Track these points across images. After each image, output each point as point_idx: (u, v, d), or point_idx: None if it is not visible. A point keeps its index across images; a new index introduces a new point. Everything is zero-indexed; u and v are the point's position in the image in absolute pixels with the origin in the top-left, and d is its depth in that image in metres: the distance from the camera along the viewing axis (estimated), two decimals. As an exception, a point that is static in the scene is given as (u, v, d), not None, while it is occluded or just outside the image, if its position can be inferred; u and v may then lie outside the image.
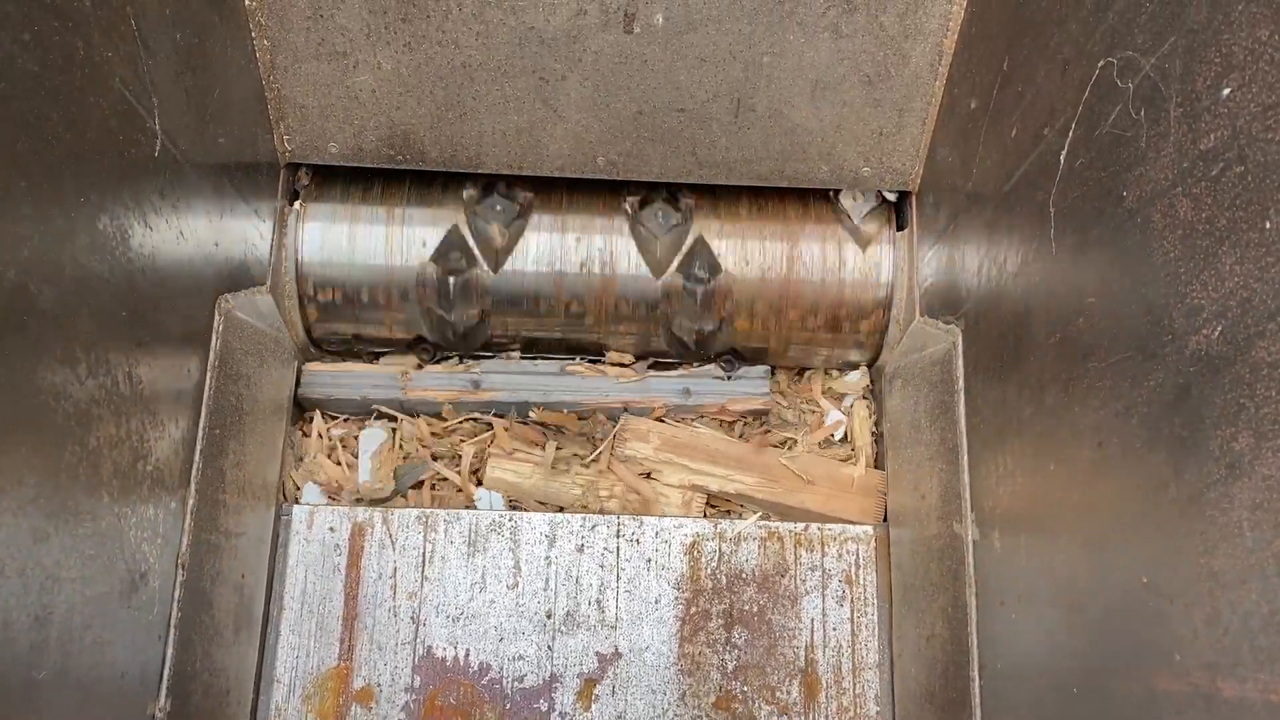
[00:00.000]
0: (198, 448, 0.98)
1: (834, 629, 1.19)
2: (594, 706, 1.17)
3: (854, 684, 1.18)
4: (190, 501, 0.96)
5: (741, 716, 1.17)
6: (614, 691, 1.18)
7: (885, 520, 1.25)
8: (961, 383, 1.01)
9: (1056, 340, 0.80)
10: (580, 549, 1.23)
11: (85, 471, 0.77)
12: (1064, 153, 0.80)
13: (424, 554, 1.21)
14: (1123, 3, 0.71)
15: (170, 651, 0.93)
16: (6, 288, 0.67)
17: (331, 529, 1.21)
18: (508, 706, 1.17)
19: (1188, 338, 0.61)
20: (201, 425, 0.98)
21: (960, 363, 1.02)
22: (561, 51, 1.10)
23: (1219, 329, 0.58)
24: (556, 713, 1.17)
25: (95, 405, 0.78)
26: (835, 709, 1.17)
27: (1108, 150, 0.72)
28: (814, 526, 1.23)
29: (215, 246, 1.02)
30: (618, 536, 1.22)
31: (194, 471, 0.97)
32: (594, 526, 1.23)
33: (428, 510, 1.23)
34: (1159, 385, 0.64)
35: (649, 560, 1.22)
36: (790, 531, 1.23)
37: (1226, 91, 0.58)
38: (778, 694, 1.18)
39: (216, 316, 1.02)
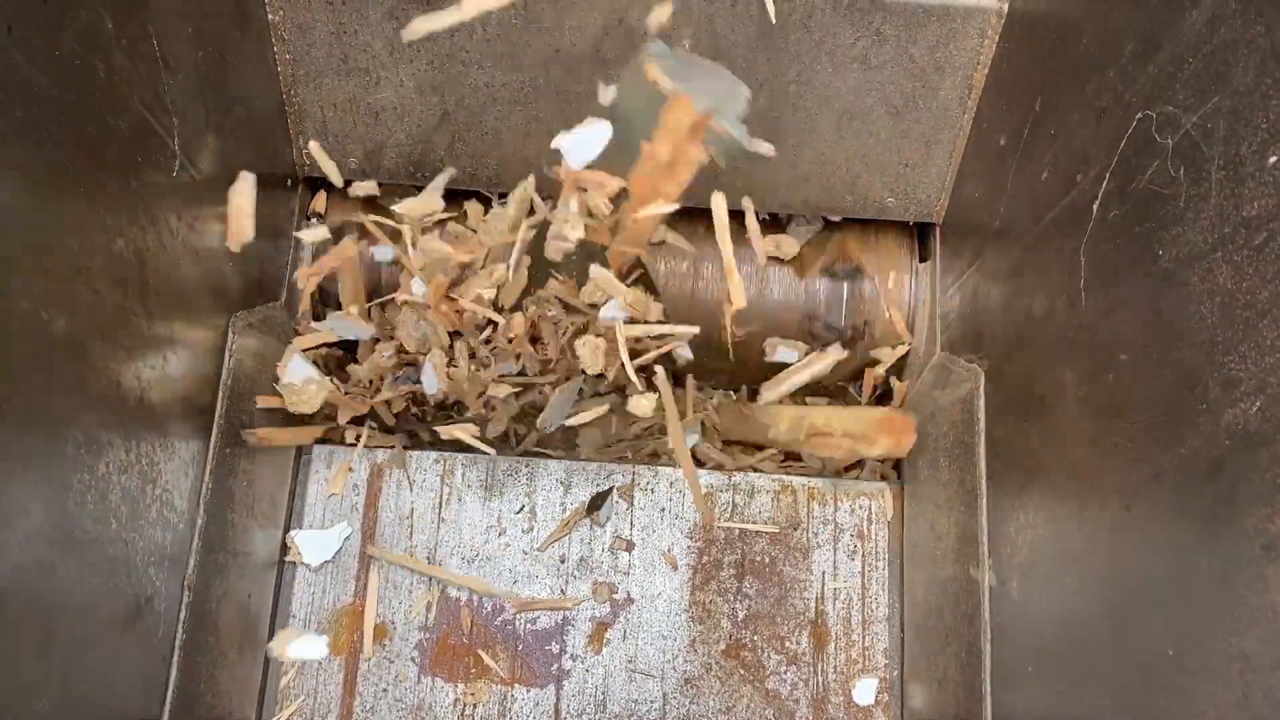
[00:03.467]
0: (208, 468, 0.97)
1: (844, 582, 1.20)
2: (605, 650, 1.18)
3: (863, 636, 1.19)
4: (199, 522, 0.95)
5: (750, 665, 1.18)
6: (625, 636, 1.19)
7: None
8: (982, 425, 1.00)
9: (1084, 394, 0.78)
10: None
11: (93, 499, 0.76)
12: (1097, 203, 0.78)
13: (441, 496, 1.22)
14: (1164, 56, 0.69)
15: (174, 674, 0.92)
16: (19, 317, 0.66)
17: (350, 469, 1.22)
18: (520, 648, 1.18)
19: (1223, 409, 0.59)
20: (212, 445, 0.97)
21: (982, 404, 1.00)
22: (586, 74, 1.08)
23: (1257, 405, 0.56)
24: (568, 654, 1.18)
25: (105, 431, 0.77)
26: (844, 660, 1.18)
27: (1144, 205, 0.70)
28: (827, 481, 1.24)
29: (230, 264, 1.01)
30: (633, 486, 1.23)
31: (203, 491, 0.96)
32: (610, 475, 1.23)
33: (446, 454, 1.23)
34: (1191, 454, 0.62)
35: (663, 509, 1.22)
36: (804, 485, 1.24)
37: (1273, 159, 0.57)
38: (787, 644, 1.18)
39: (230, 335, 1.01)
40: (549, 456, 1.26)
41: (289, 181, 1.18)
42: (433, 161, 1.18)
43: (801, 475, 1.24)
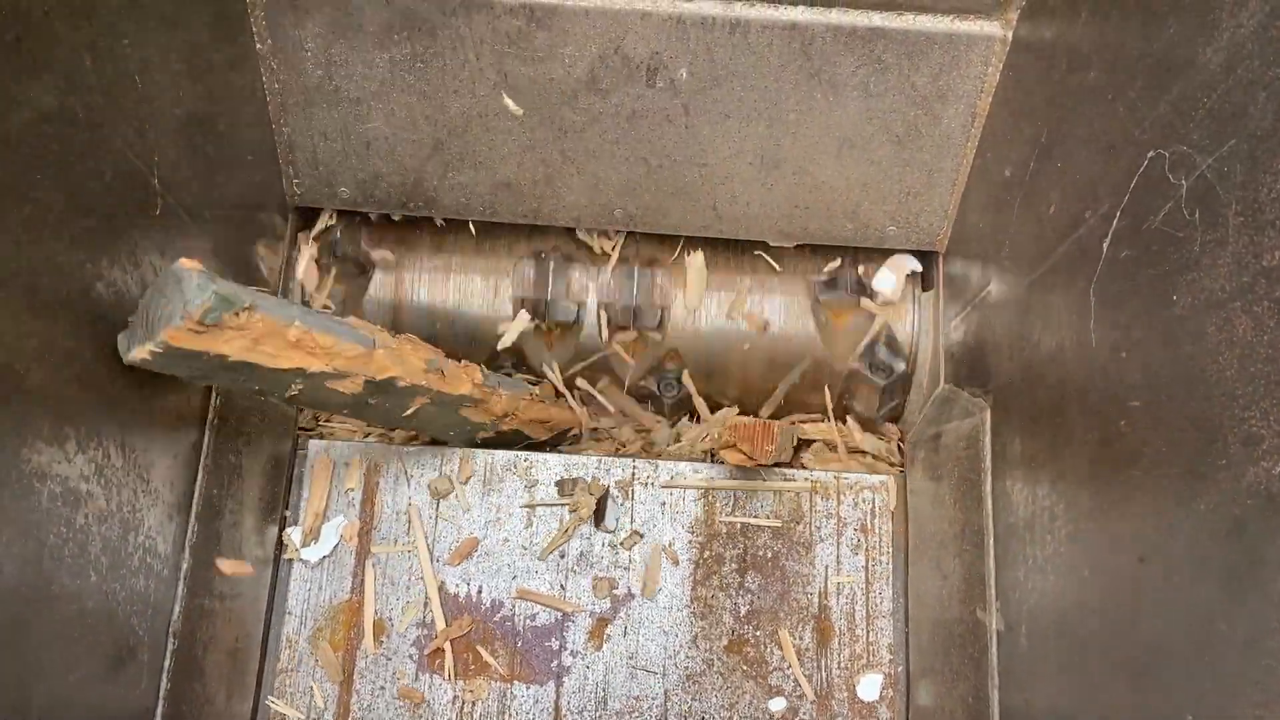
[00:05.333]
0: (193, 511, 0.94)
1: (848, 576, 1.19)
2: (605, 646, 1.16)
3: (867, 631, 1.17)
4: (184, 567, 0.93)
5: (753, 660, 1.16)
6: (625, 632, 1.17)
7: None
8: (989, 462, 0.97)
9: (1095, 439, 0.76)
10: None
11: (71, 552, 0.73)
12: (1107, 241, 0.75)
13: (440, 490, 1.20)
14: (1176, 93, 0.67)
15: (158, 725, 0.89)
16: (-9, 370, 0.64)
17: (346, 464, 1.20)
18: (519, 644, 1.16)
19: (1245, 467, 0.57)
20: (198, 488, 0.95)
21: (988, 441, 0.98)
22: (581, 104, 1.06)
23: (1281, 465, 0.54)
24: (567, 651, 1.16)
25: (84, 481, 0.75)
26: (848, 655, 1.16)
27: (1157, 248, 0.68)
28: (830, 475, 1.21)
29: (218, 300, 0.99)
30: (633, 480, 1.21)
31: (189, 535, 0.94)
32: (609, 469, 1.21)
33: (444, 449, 1.22)
34: (1210, 511, 0.60)
35: (663, 504, 1.20)
36: (806, 479, 1.22)
37: (1295, 209, 0.54)
38: (790, 639, 1.16)
39: (217, 372, 0.98)
40: (545, 450, 1.24)
41: (279, 211, 1.15)
42: (425, 191, 1.15)
43: (804, 469, 1.23)
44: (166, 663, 0.90)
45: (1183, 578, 0.63)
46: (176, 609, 0.92)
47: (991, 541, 0.95)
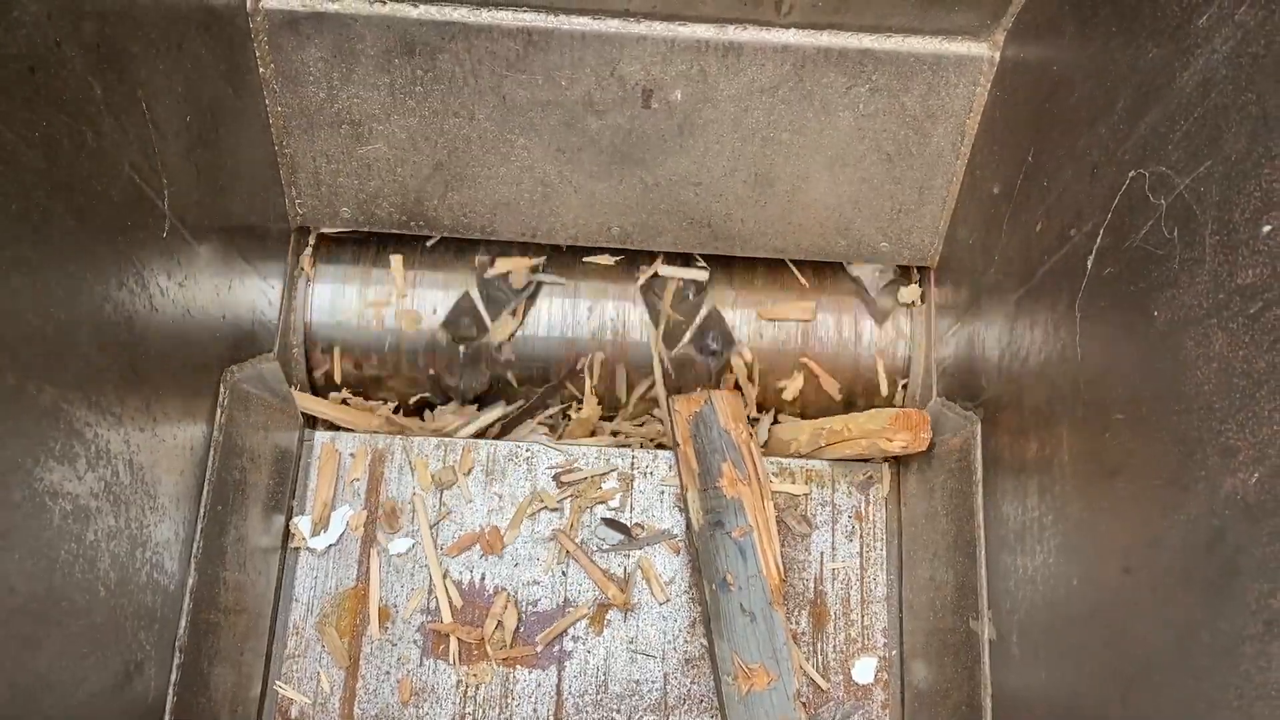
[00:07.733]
0: (199, 527, 0.96)
1: (843, 563, 1.21)
2: (606, 631, 1.19)
3: (862, 616, 1.20)
4: (190, 582, 0.94)
5: None
6: (625, 617, 1.19)
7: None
8: (980, 474, 0.99)
9: (1080, 451, 0.78)
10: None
11: (81, 568, 0.75)
12: (1091, 258, 0.77)
13: (443, 480, 1.23)
14: (1155, 115, 0.69)
15: (164, 739, 0.90)
16: (4, 390, 0.65)
17: (352, 455, 1.23)
18: (521, 630, 1.18)
19: (1222, 478, 0.59)
20: (203, 504, 0.96)
21: (979, 454, 0.99)
22: (578, 125, 1.08)
23: (1256, 475, 0.56)
24: (569, 636, 1.19)
25: (94, 499, 0.76)
26: (843, 639, 1.19)
27: (1138, 265, 0.70)
28: (825, 463, 1.24)
29: (223, 319, 1.00)
30: (632, 469, 1.24)
31: (194, 551, 0.95)
32: (609, 459, 1.24)
33: (446, 440, 1.24)
34: (1190, 522, 0.62)
35: (662, 493, 1.23)
36: (802, 468, 1.24)
37: (1267, 229, 0.56)
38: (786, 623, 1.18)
39: (221, 390, 1.00)
40: (549, 445, 1.27)
41: (281, 232, 1.17)
42: (426, 211, 1.17)
43: (799, 458, 1.25)
44: (173, 677, 0.92)
45: (1166, 589, 0.64)
46: (182, 624, 0.93)
47: (983, 552, 0.97)
